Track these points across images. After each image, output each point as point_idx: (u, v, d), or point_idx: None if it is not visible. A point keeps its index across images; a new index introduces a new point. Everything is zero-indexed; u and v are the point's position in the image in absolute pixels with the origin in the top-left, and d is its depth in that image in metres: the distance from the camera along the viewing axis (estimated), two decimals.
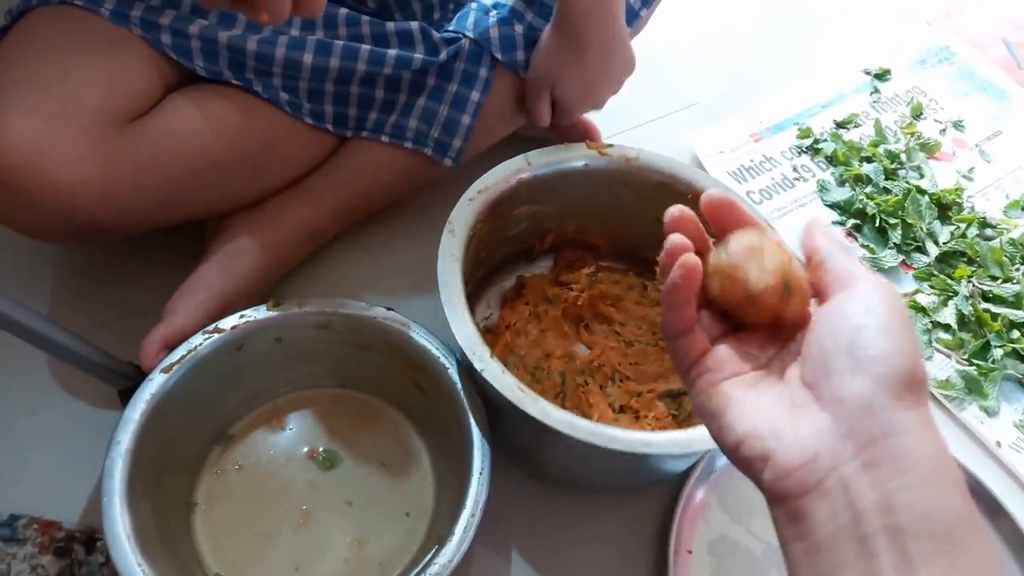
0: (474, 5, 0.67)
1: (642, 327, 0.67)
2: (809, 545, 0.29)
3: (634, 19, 0.69)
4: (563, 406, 0.60)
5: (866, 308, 0.31)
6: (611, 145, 0.63)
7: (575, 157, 0.62)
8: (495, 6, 0.66)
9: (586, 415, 0.60)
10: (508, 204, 0.60)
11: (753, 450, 0.31)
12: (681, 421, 0.62)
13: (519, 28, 0.65)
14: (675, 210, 0.36)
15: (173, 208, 0.60)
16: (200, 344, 0.54)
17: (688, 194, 0.62)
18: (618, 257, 0.71)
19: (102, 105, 0.54)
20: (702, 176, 0.63)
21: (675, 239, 0.35)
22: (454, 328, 0.51)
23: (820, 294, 0.34)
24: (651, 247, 0.66)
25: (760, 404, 0.33)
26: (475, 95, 0.66)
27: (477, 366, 0.49)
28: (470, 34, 0.65)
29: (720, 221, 0.36)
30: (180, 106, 0.59)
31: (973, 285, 0.76)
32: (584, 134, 0.79)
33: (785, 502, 0.30)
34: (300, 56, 0.62)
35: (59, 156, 0.52)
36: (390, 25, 0.65)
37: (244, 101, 0.62)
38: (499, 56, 0.65)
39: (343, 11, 0.64)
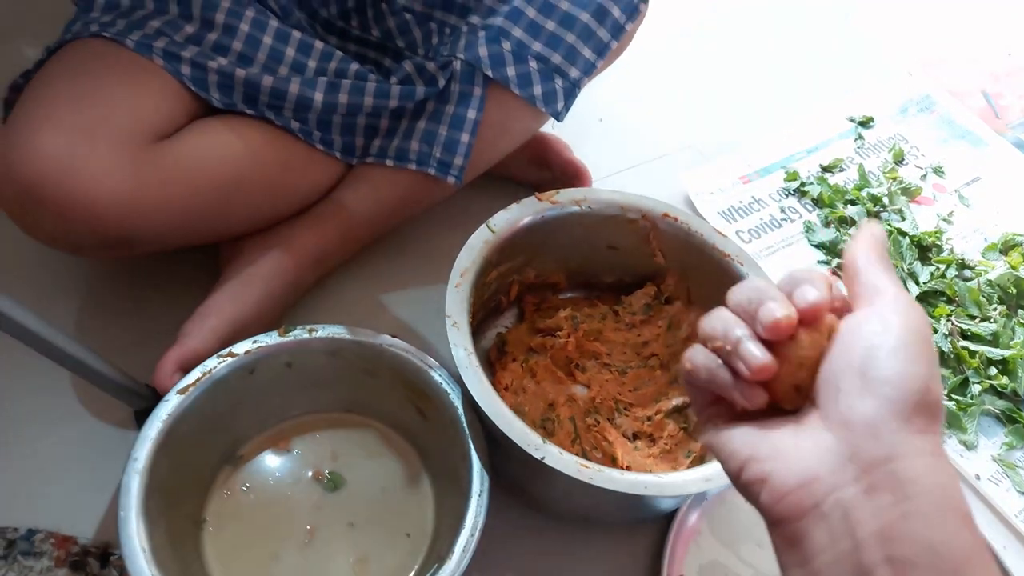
0: (465, 28, 0.70)
1: (627, 352, 0.69)
2: (808, 572, 0.28)
3: (620, 33, 0.71)
4: (583, 450, 0.62)
5: (883, 327, 0.29)
6: (558, 192, 0.66)
7: (530, 212, 0.64)
8: (484, 27, 0.69)
9: (608, 453, 0.62)
10: (483, 275, 0.62)
11: (752, 472, 0.30)
12: (692, 432, 0.64)
13: (507, 45, 0.68)
14: (779, 320, 0.31)
15: (197, 226, 0.62)
16: (215, 367, 0.56)
17: (639, 219, 0.67)
18: (577, 287, 0.74)
19: (131, 123, 0.57)
20: (647, 201, 0.67)
21: (764, 360, 0.31)
22: (505, 429, 0.51)
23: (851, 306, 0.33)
24: (606, 272, 0.72)
25: (764, 427, 0.31)
26: (472, 113, 0.69)
27: (536, 455, 0.50)
28: (461, 56, 0.68)
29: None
30: (208, 127, 0.62)
31: (952, 324, 0.79)
32: (575, 174, 0.82)
33: (782, 525, 0.29)
34: (312, 93, 0.66)
35: (90, 169, 0.54)
36: (393, 79, 0.69)
37: (265, 127, 0.65)
38: (490, 73, 0.68)
39: (354, 66, 0.68)
